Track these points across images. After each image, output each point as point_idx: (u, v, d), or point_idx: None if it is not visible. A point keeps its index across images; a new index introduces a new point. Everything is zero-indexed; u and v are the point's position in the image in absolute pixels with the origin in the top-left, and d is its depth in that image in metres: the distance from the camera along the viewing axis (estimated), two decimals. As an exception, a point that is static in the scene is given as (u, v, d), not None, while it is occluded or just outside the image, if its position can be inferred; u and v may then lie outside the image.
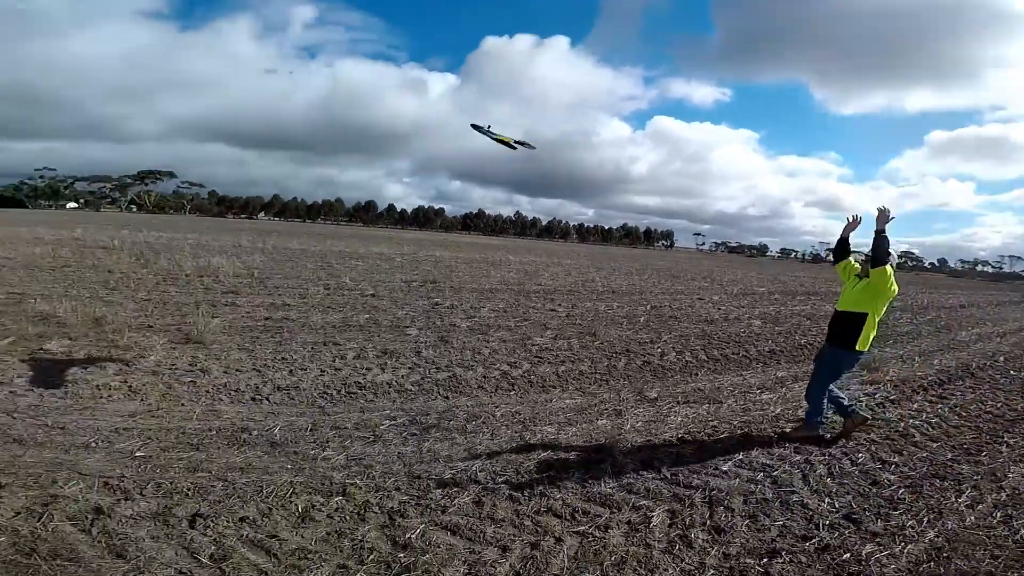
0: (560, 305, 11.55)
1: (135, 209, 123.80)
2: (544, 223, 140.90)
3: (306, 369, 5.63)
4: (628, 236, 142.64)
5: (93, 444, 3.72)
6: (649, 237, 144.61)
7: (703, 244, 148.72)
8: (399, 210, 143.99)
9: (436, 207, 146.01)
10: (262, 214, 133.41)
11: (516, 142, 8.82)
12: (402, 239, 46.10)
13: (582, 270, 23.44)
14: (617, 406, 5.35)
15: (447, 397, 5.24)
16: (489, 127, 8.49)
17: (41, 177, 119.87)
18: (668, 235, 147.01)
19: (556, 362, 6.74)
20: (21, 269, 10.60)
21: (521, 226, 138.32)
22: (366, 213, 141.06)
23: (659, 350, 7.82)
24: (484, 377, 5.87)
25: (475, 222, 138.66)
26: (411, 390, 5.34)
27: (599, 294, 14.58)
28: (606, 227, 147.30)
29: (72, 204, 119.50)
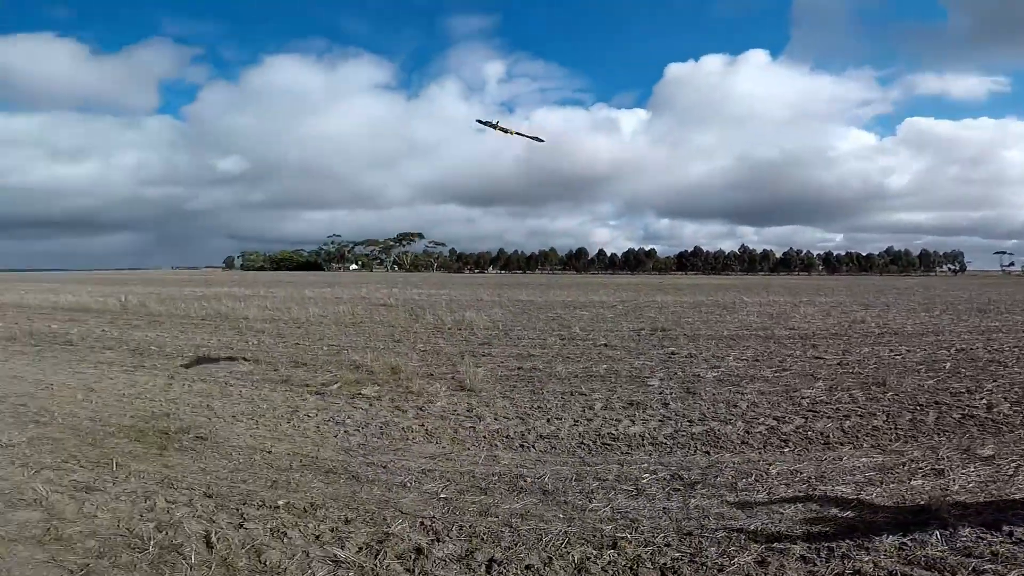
0: (827, 352, 9.93)
1: (396, 268, 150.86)
2: (778, 255, 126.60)
3: (561, 419, 5.84)
4: (895, 262, 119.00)
5: (407, 484, 4.26)
6: (927, 261, 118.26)
7: (1010, 265, 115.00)
8: (609, 255, 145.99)
9: (646, 248, 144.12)
10: (491, 268, 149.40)
11: (518, 134, 8.38)
12: (616, 285, 46.30)
13: (844, 308, 20.03)
14: (935, 465, 4.54)
15: (707, 452, 4.97)
16: (497, 123, 8.23)
17: (332, 243, 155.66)
18: (955, 257, 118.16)
19: (838, 416, 5.92)
20: (333, 324, 13.52)
21: (749, 261, 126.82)
22: (578, 260, 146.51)
23: (983, 401, 6.42)
24: (747, 432, 5.45)
25: (692, 261, 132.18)
26: (665, 443, 5.19)
27: (876, 337, 12.16)
28: (863, 253, 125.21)
29: (353, 266, 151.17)
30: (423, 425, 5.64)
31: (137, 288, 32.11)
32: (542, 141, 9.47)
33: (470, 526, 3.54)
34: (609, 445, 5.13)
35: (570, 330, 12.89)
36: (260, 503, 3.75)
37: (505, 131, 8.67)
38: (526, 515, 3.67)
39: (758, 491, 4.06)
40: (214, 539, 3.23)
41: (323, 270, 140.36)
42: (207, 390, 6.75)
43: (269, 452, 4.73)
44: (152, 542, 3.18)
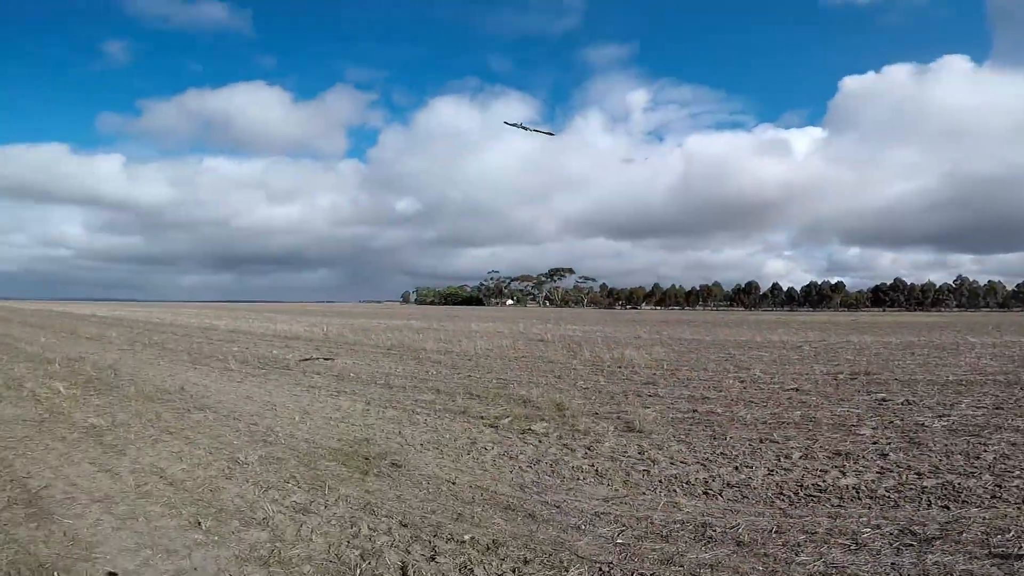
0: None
1: (548, 304, 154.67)
2: (1009, 288, 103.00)
3: (751, 466, 5.49)
4: None
5: (581, 526, 4.19)
6: None
7: None
8: (785, 289, 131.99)
9: (832, 281, 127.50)
10: (644, 303, 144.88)
11: (535, 130, 7.48)
12: (797, 322, 41.47)
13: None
14: None
15: (947, 507, 4.46)
16: (522, 124, 7.51)
17: (491, 278, 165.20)
18: None
19: None
20: (498, 359, 14.17)
21: (969, 295, 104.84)
22: (747, 295, 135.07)
23: None
24: (998, 486, 4.86)
25: (890, 295, 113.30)
26: (888, 496, 4.69)
27: None
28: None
29: (509, 301, 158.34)
30: (593, 465, 5.58)
31: (334, 319, 37.36)
32: (552, 135, 9.54)
33: (651, 574, 3.37)
34: (815, 497, 4.73)
35: (749, 372, 11.90)
36: (448, 536, 3.95)
37: (526, 128, 8.91)
38: (717, 566, 3.45)
39: (1021, 547, 3.58)
40: (411, 572, 3.45)
41: (484, 305, 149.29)
42: (398, 417, 7.49)
43: (453, 483, 5.02)
44: (358, 571, 3.47)
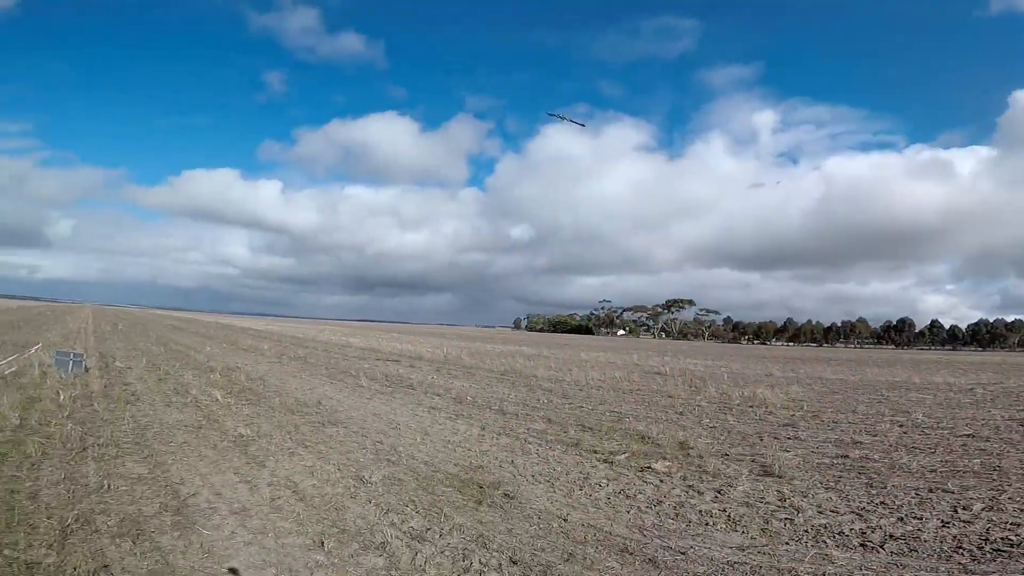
0: None
1: (664, 336, 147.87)
2: None
3: (920, 518, 4.95)
4: None
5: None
6: None
7: None
8: (948, 327, 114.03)
9: (1007, 319, 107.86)
10: (774, 339, 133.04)
11: (572, 120, 6.72)
12: (964, 363, 35.45)
13: None
14: None
15: None
16: (559, 114, 6.84)
17: (602, 308, 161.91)
18: None
19: None
20: (611, 390, 13.65)
21: None
22: (898, 333, 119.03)
23: None
24: None
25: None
26: None
27: None
28: None
29: (621, 331, 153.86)
30: (724, 510, 5.11)
31: (453, 342, 38.95)
32: (583, 125, 9.09)
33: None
34: (1005, 552, 4.24)
35: (910, 416, 10.37)
36: (559, 579, 3.74)
37: (562, 118, 8.67)
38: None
39: None
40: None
41: (593, 334, 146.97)
42: (511, 445, 7.43)
43: (565, 520, 4.81)
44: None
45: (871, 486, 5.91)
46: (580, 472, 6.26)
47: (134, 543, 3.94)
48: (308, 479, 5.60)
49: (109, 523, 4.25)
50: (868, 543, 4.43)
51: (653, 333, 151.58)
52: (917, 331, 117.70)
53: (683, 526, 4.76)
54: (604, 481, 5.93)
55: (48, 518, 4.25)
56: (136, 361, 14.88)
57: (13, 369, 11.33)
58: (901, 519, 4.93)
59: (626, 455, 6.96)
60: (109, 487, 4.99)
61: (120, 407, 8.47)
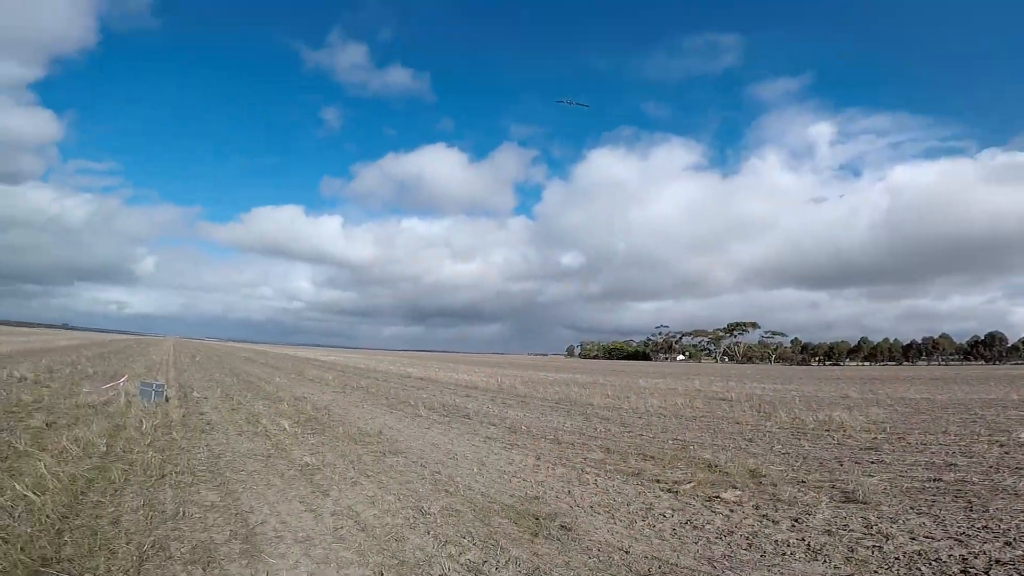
0: None
1: (727, 360, 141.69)
2: None
3: None
4: None
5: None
6: None
7: None
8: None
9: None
10: (848, 360, 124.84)
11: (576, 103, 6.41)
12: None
13: None
14: None
15: None
16: (568, 100, 6.40)
17: (659, 333, 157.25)
18: None
19: None
20: (673, 417, 13.13)
21: None
22: (988, 348, 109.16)
23: None
24: None
25: None
26: None
27: None
28: None
29: (680, 356, 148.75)
30: (803, 539, 4.78)
31: (506, 371, 38.85)
32: (586, 106, 8.57)
33: None
34: None
35: (1010, 435, 9.47)
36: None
37: (569, 103, 8.32)
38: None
39: None
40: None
41: (650, 360, 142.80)
42: (567, 475, 7.23)
43: (626, 552, 4.61)
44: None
45: (970, 510, 5.44)
46: (642, 502, 6.00)
47: (204, 570, 4.09)
48: (370, 509, 5.65)
49: (182, 550, 4.43)
50: (970, 569, 4.10)
51: (715, 358, 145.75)
52: (1010, 345, 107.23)
53: (757, 556, 4.47)
54: (668, 511, 5.66)
55: (127, 543, 4.48)
56: (212, 391, 15.74)
57: (103, 398, 12.24)
58: (1008, 543, 4.50)
59: (692, 484, 6.62)
60: (184, 514, 5.23)
61: (196, 436, 8.93)
